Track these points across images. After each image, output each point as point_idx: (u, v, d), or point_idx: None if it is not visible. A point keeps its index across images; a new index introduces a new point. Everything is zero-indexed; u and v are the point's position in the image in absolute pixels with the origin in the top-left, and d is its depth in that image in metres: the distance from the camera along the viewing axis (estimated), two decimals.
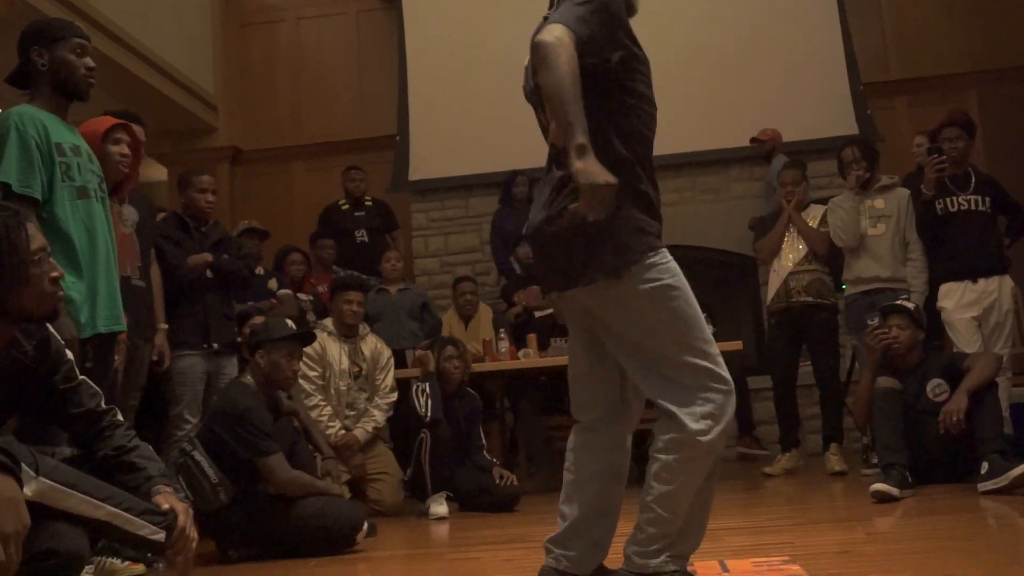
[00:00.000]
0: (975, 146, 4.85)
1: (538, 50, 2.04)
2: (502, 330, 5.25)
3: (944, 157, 4.46)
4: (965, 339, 4.38)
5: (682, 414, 2.07)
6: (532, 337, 5.06)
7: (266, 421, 3.45)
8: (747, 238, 6.29)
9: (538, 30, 2.14)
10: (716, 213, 6.85)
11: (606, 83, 2.17)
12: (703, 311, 5.99)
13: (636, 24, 7.72)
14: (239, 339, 4.26)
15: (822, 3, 7.03)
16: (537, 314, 5.78)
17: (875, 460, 4.52)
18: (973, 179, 4.57)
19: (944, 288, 4.53)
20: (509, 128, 7.00)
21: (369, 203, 6.74)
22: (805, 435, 5.37)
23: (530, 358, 4.92)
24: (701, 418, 2.07)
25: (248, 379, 3.61)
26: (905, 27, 7.55)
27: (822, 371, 4.91)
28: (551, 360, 4.92)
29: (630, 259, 2.11)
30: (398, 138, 7.29)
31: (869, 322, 4.31)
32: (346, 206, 6.72)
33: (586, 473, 2.24)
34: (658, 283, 2.12)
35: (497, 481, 4.32)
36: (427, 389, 4.40)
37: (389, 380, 4.64)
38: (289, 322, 3.78)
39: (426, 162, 7.18)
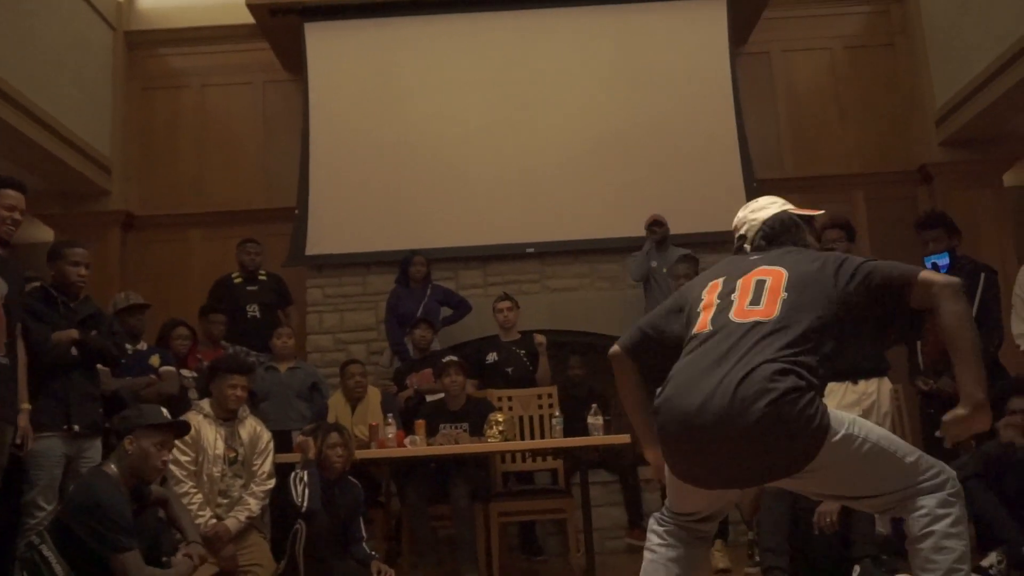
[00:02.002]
0: (856, 247, 4.99)
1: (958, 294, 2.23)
2: (390, 415, 5.12)
3: None
4: None
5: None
6: (421, 423, 4.93)
7: (124, 515, 3.23)
8: None
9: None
10: (613, 301, 6.89)
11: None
12: (597, 399, 5.97)
13: (547, 113, 7.85)
14: (106, 422, 4.05)
15: (720, 101, 7.23)
16: (428, 398, 5.68)
17: (757, 558, 4.52)
18: None
19: (827, 388, 4.58)
20: (408, 208, 7.04)
21: (263, 277, 6.58)
22: None
23: (417, 445, 4.80)
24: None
25: (111, 467, 3.40)
26: (800, 128, 7.85)
27: None
28: (439, 449, 4.80)
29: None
30: (297, 211, 7.18)
31: None
32: (239, 279, 6.54)
33: None
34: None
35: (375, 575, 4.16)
36: (305, 478, 4.23)
37: (267, 466, 4.45)
38: (164, 410, 3.60)
39: (324, 237, 7.08)
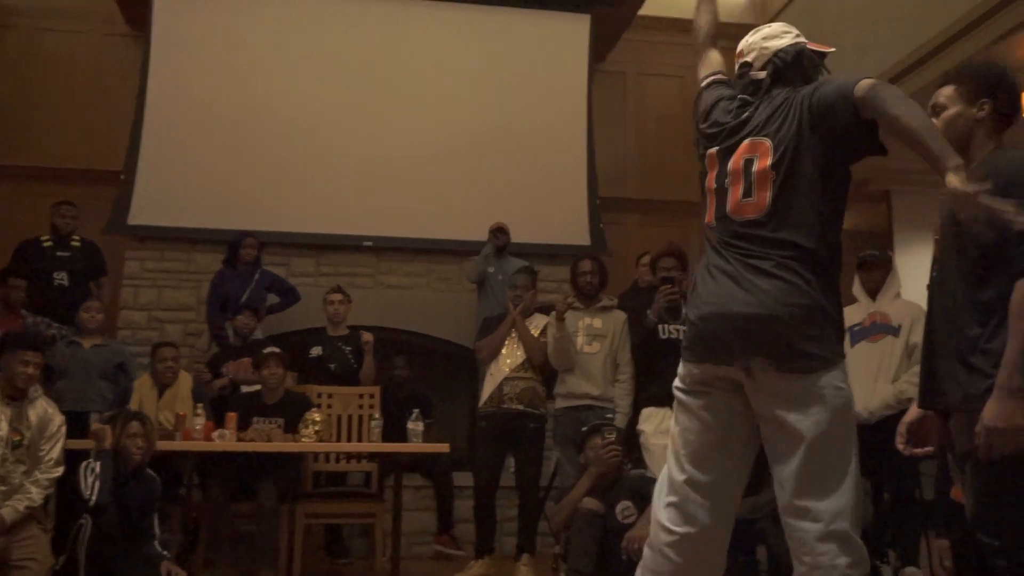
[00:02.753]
0: (688, 276, 5.10)
1: (884, 89, 2.12)
2: (200, 405, 4.85)
3: (676, 288, 4.62)
4: (658, 464, 4.46)
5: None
6: (232, 417, 4.68)
7: None
8: (474, 332, 6.28)
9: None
10: (447, 303, 6.81)
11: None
12: (420, 403, 5.87)
13: (401, 106, 7.60)
14: None
15: (574, 115, 7.28)
16: (244, 389, 5.42)
17: (563, 574, 4.54)
18: (683, 310, 4.76)
19: (645, 412, 4.65)
20: (244, 186, 6.72)
21: (76, 243, 6.12)
22: (502, 537, 5.34)
23: (226, 440, 4.55)
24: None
25: None
26: (647, 150, 8.01)
27: (525, 480, 4.90)
28: (248, 446, 4.58)
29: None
30: (123, 176, 6.72)
31: (607, 435, 4.32)
32: (48, 243, 6.06)
33: None
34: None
35: None
36: (97, 468, 3.93)
37: (55, 452, 4.10)
38: None
39: (150, 207, 6.65)
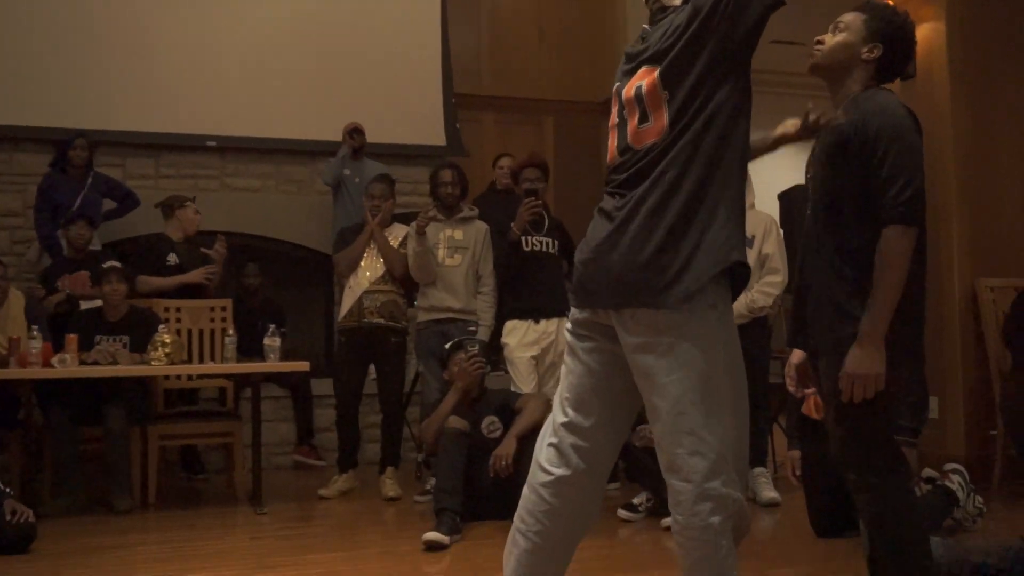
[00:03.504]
0: (548, 185, 5.08)
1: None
2: (36, 327, 4.51)
3: (539, 201, 4.58)
4: (523, 377, 4.57)
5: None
6: (72, 339, 4.38)
7: None
8: (330, 237, 6.10)
9: None
10: (298, 206, 6.56)
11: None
12: (275, 312, 5.70)
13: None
14: None
15: (426, 7, 6.98)
16: (83, 305, 5.10)
17: (428, 486, 4.58)
18: (547, 222, 4.76)
19: (509, 325, 4.68)
20: (73, 79, 6.17)
21: None
22: (364, 444, 5.32)
23: (67, 366, 4.27)
24: None
25: None
26: (501, 46, 7.80)
27: (387, 395, 4.86)
28: (92, 371, 4.32)
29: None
30: None
31: (470, 348, 4.30)
32: None
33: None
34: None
35: (9, 517, 3.68)
36: None
37: None
38: None
39: None
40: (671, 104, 2.04)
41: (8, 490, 3.78)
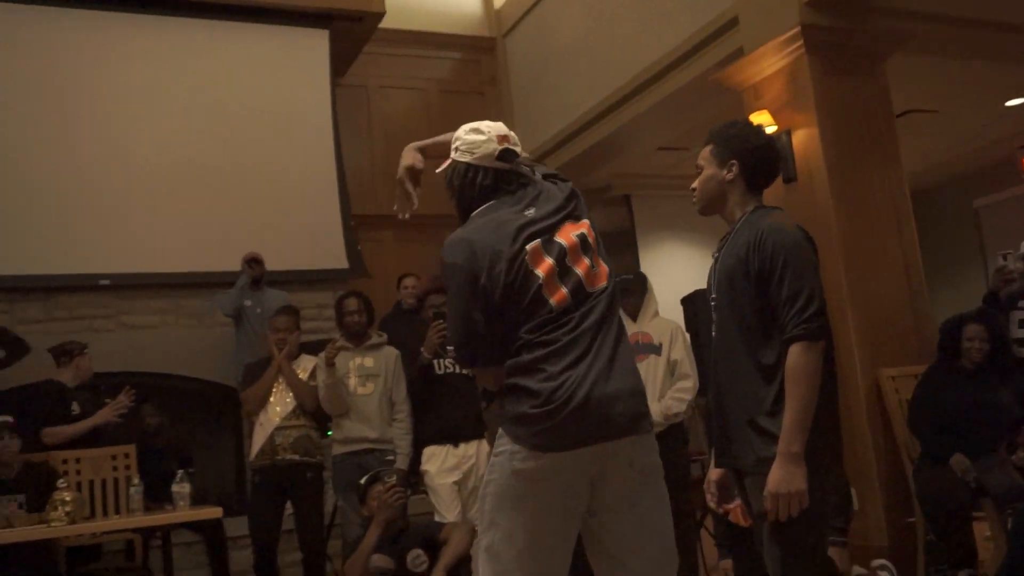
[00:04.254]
0: None
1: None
2: None
3: (446, 323, 4.57)
4: (446, 504, 4.48)
5: None
6: None
7: None
8: (233, 369, 5.96)
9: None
10: (199, 340, 6.39)
11: None
12: (181, 453, 5.49)
13: (130, 131, 6.99)
14: None
15: (319, 133, 7.03)
16: None
17: None
18: None
19: (428, 451, 4.60)
20: None
21: None
22: None
23: None
24: None
25: None
26: (394, 165, 7.82)
27: (306, 532, 4.70)
28: None
29: None
30: None
31: (387, 479, 4.20)
32: None
33: None
34: None
35: None
36: None
37: None
38: None
39: None
40: (602, 254, 2.27)
41: None
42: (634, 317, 4.67)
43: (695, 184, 2.54)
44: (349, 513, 4.63)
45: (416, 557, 4.08)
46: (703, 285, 2.73)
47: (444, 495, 4.49)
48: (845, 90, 5.15)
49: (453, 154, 2.36)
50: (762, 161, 2.49)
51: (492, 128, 2.34)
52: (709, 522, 4.82)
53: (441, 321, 4.60)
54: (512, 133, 2.37)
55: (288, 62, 7.06)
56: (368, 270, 6.90)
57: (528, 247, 2.17)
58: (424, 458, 4.61)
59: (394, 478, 4.25)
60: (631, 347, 2.25)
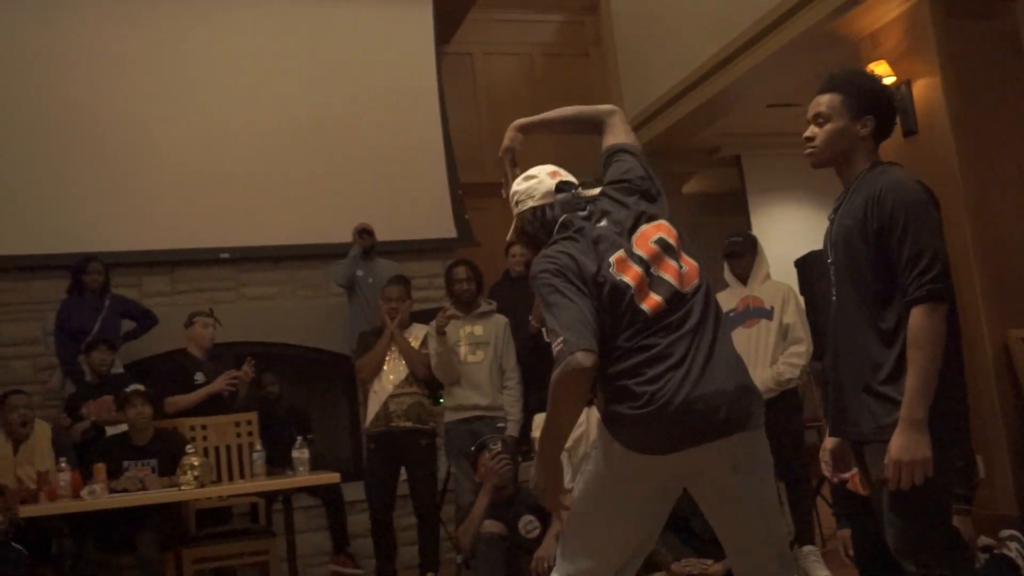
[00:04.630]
0: None
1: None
2: (63, 459, 4.49)
3: None
4: None
5: None
6: (100, 468, 4.35)
7: None
8: (347, 338, 6.10)
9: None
10: (314, 310, 6.57)
11: None
12: (297, 419, 5.63)
13: (243, 108, 7.16)
14: None
15: (425, 103, 7.09)
16: (108, 431, 5.07)
17: None
18: None
19: (537, 419, 4.61)
20: (82, 204, 6.24)
21: None
22: (401, 548, 5.23)
23: (97, 497, 4.23)
24: None
25: None
26: (500, 131, 7.82)
27: (420, 498, 4.80)
28: (123, 500, 4.27)
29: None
30: None
31: (492, 446, 4.24)
32: None
33: None
34: None
35: None
36: None
37: None
38: None
39: None
40: (687, 249, 2.28)
41: None
42: (744, 281, 4.57)
43: (813, 134, 2.39)
44: (461, 479, 4.70)
45: (528, 523, 4.11)
46: (818, 247, 2.64)
47: None
48: (970, 34, 4.87)
49: (515, 210, 2.44)
50: (891, 114, 2.41)
51: (541, 169, 2.44)
52: (826, 490, 4.70)
53: None
54: (561, 169, 2.45)
55: (393, 32, 7.12)
56: (476, 239, 6.94)
57: (612, 257, 2.20)
58: (534, 425, 4.62)
59: (499, 445, 4.27)
60: (731, 342, 2.23)
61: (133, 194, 6.34)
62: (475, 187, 7.42)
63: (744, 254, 4.56)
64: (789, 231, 7.55)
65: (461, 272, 4.90)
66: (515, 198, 2.43)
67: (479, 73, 8.09)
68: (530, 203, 2.39)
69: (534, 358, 4.66)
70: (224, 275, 6.50)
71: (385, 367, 4.82)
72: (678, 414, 2.05)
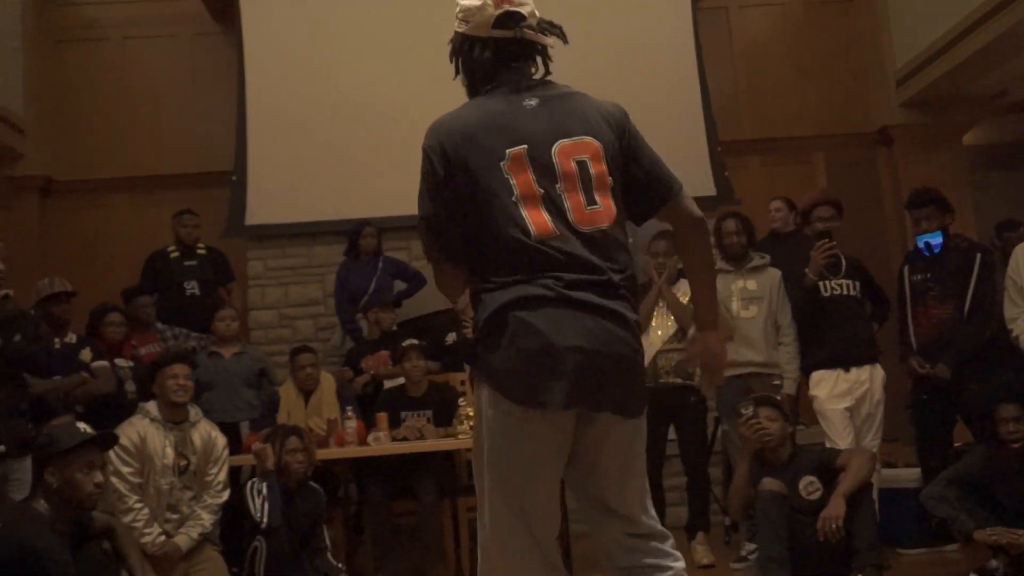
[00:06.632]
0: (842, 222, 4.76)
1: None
2: (349, 408, 4.76)
3: (834, 243, 4.31)
4: (837, 431, 4.25)
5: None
6: (382, 417, 4.59)
7: (63, 560, 2.83)
8: None
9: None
10: None
11: None
12: None
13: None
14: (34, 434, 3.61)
15: (682, 59, 6.92)
16: (386, 384, 5.33)
17: (744, 552, 4.36)
18: (844, 263, 4.45)
19: (816, 376, 4.39)
20: (356, 173, 6.57)
21: (202, 251, 6.09)
22: (668, 509, 5.14)
23: (381, 442, 4.46)
24: None
25: (40, 503, 2.97)
26: (758, 87, 7.57)
27: (690, 456, 4.68)
28: (405, 447, 4.48)
29: None
30: (234, 178, 6.67)
31: (743, 411, 4.08)
32: (175, 254, 6.04)
33: None
34: None
35: None
36: (264, 490, 3.87)
37: (222, 476, 4.07)
38: (82, 426, 3.15)
39: (265, 205, 6.59)
40: (614, 193, 1.94)
41: (340, 565, 3.95)
42: None
43: None
44: (734, 439, 4.54)
45: (809, 484, 3.89)
46: None
47: (836, 421, 4.26)
48: None
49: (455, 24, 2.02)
50: None
51: None
52: None
53: (827, 240, 4.33)
54: None
55: None
56: (736, 196, 6.70)
57: (510, 151, 1.86)
58: (812, 383, 4.40)
59: (750, 410, 4.06)
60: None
61: (403, 162, 6.49)
62: (733, 144, 7.18)
63: None
64: None
65: (731, 225, 4.72)
66: (456, 10, 2.03)
67: (735, 27, 7.76)
68: (463, 28, 2.01)
69: (811, 313, 4.41)
70: None
71: (653, 322, 4.73)
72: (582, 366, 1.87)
